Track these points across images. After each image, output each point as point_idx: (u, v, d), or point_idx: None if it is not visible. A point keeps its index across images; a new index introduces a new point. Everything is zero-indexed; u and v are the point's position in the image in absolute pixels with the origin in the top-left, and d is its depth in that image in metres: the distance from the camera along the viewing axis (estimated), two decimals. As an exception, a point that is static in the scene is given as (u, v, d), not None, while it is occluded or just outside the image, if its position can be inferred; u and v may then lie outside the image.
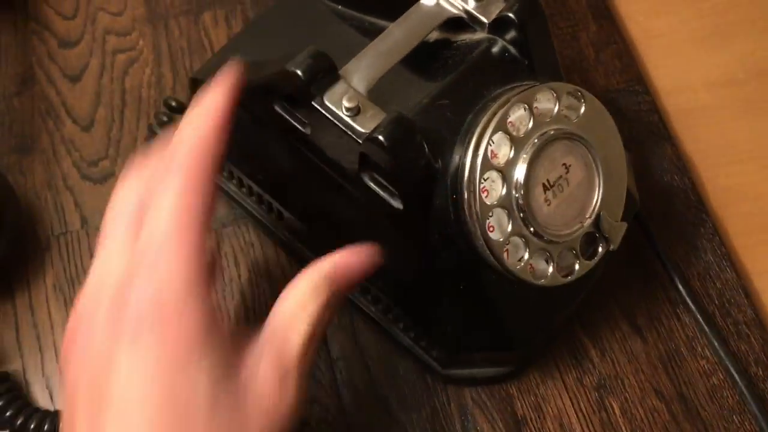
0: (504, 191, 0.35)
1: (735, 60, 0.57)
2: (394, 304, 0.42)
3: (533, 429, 0.43)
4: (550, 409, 0.43)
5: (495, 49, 0.39)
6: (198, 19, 0.54)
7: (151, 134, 0.45)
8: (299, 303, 0.31)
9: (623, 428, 0.43)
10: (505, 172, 0.35)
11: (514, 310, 0.40)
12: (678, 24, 0.58)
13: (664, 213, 0.49)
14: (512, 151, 0.35)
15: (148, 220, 0.30)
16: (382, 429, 0.43)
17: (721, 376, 0.44)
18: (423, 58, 0.39)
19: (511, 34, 0.39)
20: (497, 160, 0.35)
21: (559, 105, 0.36)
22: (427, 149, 0.35)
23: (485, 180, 0.35)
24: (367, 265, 0.33)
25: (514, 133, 0.35)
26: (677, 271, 0.46)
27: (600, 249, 0.38)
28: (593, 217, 0.37)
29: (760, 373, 0.44)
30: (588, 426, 0.43)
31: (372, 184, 0.37)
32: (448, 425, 0.43)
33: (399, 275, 0.40)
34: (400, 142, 0.34)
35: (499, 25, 0.38)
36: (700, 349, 0.45)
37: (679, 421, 0.43)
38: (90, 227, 0.47)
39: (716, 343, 0.44)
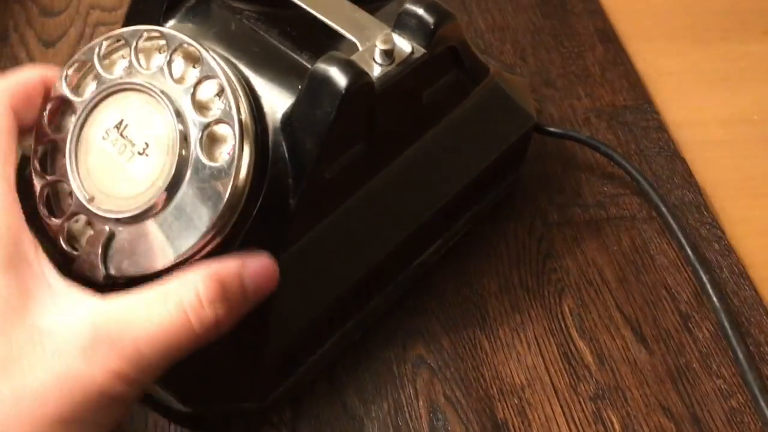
0: None
1: (749, 103, 0.54)
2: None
3: (515, 436, 0.35)
4: (536, 416, 0.36)
5: None
6: None
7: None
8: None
9: (624, 446, 0.36)
10: None
11: None
12: (688, 65, 0.56)
13: (674, 225, 0.44)
14: None
15: None
16: (333, 421, 0.35)
17: (741, 399, 0.37)
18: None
19: None
20: None
21: None
22: None
23: None
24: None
25: None
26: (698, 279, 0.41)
27: None
28: None
29: (788, 400, 0.37)
30: (581, 439, 0.36)
31: None
32: (413, 422, 0.36)
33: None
34: None
35: None
36: (716, 368, 0.38)
37: (691, 445, 0.36)
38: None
39: (741, 358, 0.38)
